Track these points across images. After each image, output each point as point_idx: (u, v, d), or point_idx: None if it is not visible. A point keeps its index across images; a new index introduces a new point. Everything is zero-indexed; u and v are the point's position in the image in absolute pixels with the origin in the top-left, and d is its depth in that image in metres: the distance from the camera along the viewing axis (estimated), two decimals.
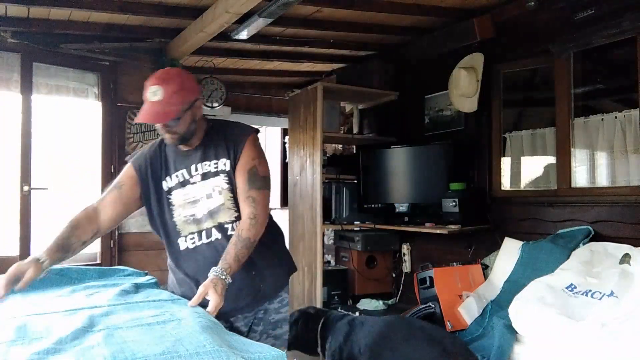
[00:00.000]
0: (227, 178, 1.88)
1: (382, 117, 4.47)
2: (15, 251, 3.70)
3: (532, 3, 3.27)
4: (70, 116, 4.21)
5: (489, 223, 3.58)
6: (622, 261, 2.59)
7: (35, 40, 3.76)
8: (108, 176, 4.14)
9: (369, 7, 3.46)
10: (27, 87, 3.79)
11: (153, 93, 1.77)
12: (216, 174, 1.89)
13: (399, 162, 4.12)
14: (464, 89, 3.58)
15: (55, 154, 4.11)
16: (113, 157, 4.18)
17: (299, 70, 5.14)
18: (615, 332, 2.16)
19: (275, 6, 3.04)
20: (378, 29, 3.96)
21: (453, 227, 3.46)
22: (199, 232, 1.90)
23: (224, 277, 1.65)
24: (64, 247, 1.78)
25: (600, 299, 2.40)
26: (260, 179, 1.88)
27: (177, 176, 1.94)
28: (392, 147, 4.17)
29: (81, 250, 1.86)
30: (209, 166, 1.91)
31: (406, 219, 4.02)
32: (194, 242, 1.90)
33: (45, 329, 1.33)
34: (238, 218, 1.86)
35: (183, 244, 1.91)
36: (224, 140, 1.92)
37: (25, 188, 3.73)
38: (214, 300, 1.57)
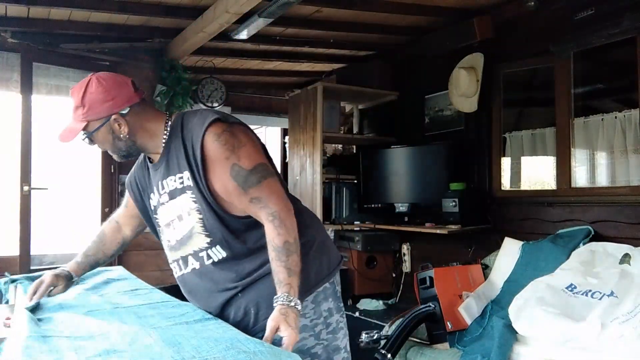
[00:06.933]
0: (194, 195, 1.51)
1: (382, 117, 4.46)
2: (15, 251, 3.70)
3: (532, 3, 3.27)
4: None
5: (489, 223, 3.58)
6: (622, 261, 2.59)
7: (35, 40, 3.75)
8: (108, 176, 4.15)
9: (369, 7, 3.46)
10: (27, 87, 3.78)
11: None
12: (182, 191, 1.53)
13: (399, 162, 4.11)
14: (464, 89, 3.58)
15: (55, 154, 4.10)
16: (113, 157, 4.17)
17: (299, 70, 5.13)
18: (615, 332, 2.16)
19: (275, 6, 3.04)
20: (378, 29, 3.96)
21: (453, 227, 3.47)
22: (178, 261, 1.63)
23: (292, 303, 1.34)
24: (92, 263, 1.82)
25: (600, 299, 2.39)
26: (251, 173, 1.47)
27: (154, 193, 1.64)
28: (392, 147, 4.17)
29: (107, 262, 1.91)
30: (174, 182, 1.55)
31: (406, 219, 4.02)
32: (177, 272, 1.65)
33: (86, 331, 1.27)
34: (212, 244, 1.54)
35: (173, 270, 1.68)
36: (182, 143, 1.52)
37: (25, 188, 3.72)
38: (289, 336, 1.30)
